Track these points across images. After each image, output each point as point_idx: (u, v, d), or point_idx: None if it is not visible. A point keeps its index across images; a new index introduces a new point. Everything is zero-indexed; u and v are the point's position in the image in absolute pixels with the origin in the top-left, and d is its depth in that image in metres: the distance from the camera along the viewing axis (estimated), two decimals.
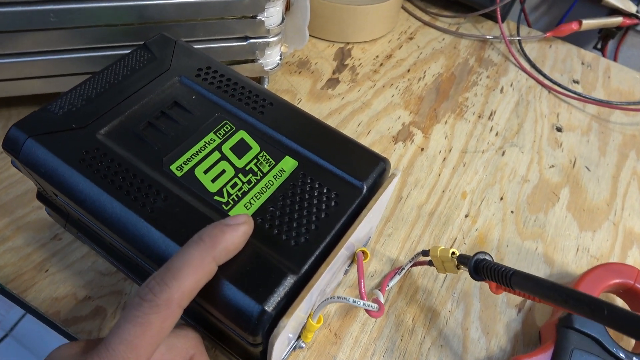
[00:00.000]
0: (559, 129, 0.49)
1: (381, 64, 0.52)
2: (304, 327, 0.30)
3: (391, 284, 0.35)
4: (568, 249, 0.40)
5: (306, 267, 0.25)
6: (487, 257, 0.29)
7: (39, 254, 0.34)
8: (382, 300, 0.30)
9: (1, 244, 0.34)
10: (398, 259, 0.37)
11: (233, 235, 0.23)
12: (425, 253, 0.34)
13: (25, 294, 0.32)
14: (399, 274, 0.35)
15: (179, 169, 0.27)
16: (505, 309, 0.36)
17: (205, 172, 0.28)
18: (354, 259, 0.32)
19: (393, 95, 0.49)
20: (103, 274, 0.33)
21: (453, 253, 0.32)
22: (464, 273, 0.37)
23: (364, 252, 0.31)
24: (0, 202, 0.36)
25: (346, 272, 0.35)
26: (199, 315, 0.28)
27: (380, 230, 0.39)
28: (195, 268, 0.21)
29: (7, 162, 0.38)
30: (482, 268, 0.28)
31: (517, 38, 0.58)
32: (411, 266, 0.35)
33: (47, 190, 0.29)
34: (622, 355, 0.30)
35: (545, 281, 0.25)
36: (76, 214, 0.28)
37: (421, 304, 0.35)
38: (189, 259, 0.21)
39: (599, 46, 0.68)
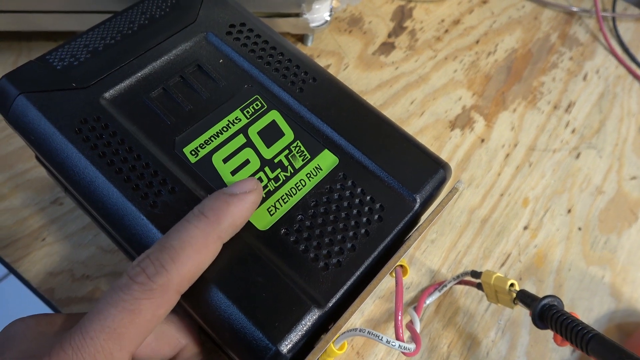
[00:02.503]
0: None
1: (446, 31, 0.45)
2: (324, 352, 0.26)
3: (429, 302, 0.30)
4: None
5: (335, 300, 0.20)
6: (557, 304, 0.24)
7: (36, 218, 0.30)
8: (419, 328, 0.26)
9: None
10: (439, 271, 0.32)
11: (240, 207, 0.19)
12: (475, 275, 0.29)
13: (18, 264, 0.29)
14: (439, 291, 0.30)
15: (193, 153, 0.22)
16: (558, 347, 0.31)
17: (225, 160, 0.23)
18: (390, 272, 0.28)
19: (456, 71, 0.42)
20: (105, 251, 0.30)
21: (512, 285, 0.26)
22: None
23: (402, 267, 0.26)
24: (0, 153, 0.32)
25: None
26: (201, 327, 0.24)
27: (423, 234, 0.33)
28: (198, 248, 0.18)
29: None
30: (550, 317, 0.23)
31: (612, 14, 0.49)
32: (455, 284, 0.30)
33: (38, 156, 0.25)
34: None
35: (634, 359, 0.19)
36: (72, 191, 0.24)
37: (460, 329, 0.30)
38: (191, 237, 0.18)
39: None
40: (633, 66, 0.46)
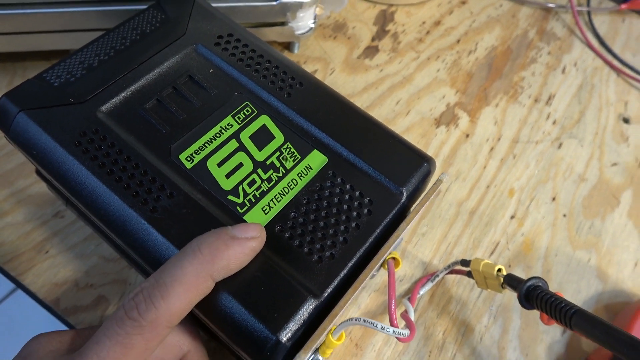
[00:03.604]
0: (626, 120, 0.43)
1: (427, 32, 0.46)
2: (322, 343, 0.27)
3: (422, 292, 0.31)
4: (625, 263, 0.35)
5: (330, 290, 0.21)
6: (541, 284, 0.25)
7: (39, 232, 0.31)
8: (413, 317, 0.27)
9: (0, 218, 0.31)
10: (431, 262, 0.33)
11: (238, 251, 0.19)
12: (465, 263, 0.30)
13: (23, 277, 0.29)
14: (432, 282, 0.31)
15: (189, 159, 0.24)
16: (549, 329, 0.32)
17: (220, 164, 0.24)
18: (383, 264, 0.29)
19: (439, 70, 0.43)
20: (107, 260, 0.31)
21: (499, 270, 0.27)
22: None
23: (395, 259, 0.27)
24: (1, 171, 0.33)
25: (372, 276, 0.31)
26: (205, 327, 0.25)
27: (414, 228, 0.35)
28: (187, 287, 0.18)
29: None
30: (535, 297, 0.24)
31: (587, 9, 0.51)
32: (446, 274, 0.31)
33: (40, 171, 0.26)
34: None
35: (617, 331, 0.20)
36: (74, 202, 0.25)
37: (454, 317, 0.31)
38: (182, 274, 0.18)
39: None
40: (609, 57, 0.47)
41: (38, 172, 0.29)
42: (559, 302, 0.23)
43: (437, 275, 0.31)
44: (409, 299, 0.29)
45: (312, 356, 0.27)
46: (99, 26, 0.35)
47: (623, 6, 0.50)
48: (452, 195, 0.36)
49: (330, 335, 0.25)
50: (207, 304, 0.20)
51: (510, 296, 0.33)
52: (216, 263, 0.19)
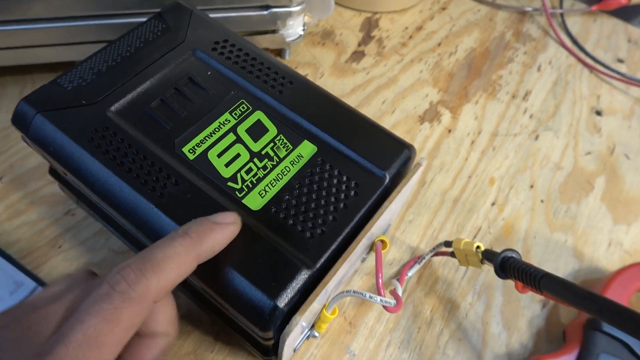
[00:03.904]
0: (598, 113, 0.46)
1: (410, 37, 0.49)
2: (318, 318, 0.29)
3: (410, 274, 0.34)
4: (600, 243, 0.38)
5: (322, 261, 0.24)
6: (514, 255, 0.27)
7: (52, 229, 0.33)
8: (400, 292, 0.29)
9: (16, 218, 0.33)
10: (418, 247, 0.36)
11: (220, 234, 0.21)
12: (447, 244, 0.32)
13: (38, 270, 0.32)
14: (419, 264, 0.34)
15: (191, 151, 0.26)
16: (529, 304, 0.34)
17: (219, 155, 0.26)
18: (372, 247, 0.31)
19: (422, 71, 0.46)
20: (116, 253, 0.33)
21: (478, 247, 0.30)
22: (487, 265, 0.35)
23: (383, 242, 0.30)
24: (14, 175, 0.35)
25: (364, 259, 0.34)
26: (210, 303, 0.28)
27: (401, 216, 0.37)
28: (177, 263, 0.19)
29: None
30: (509, 267, 0.27)
31: (560, 11, 0.54)
32: (432, 256, 0.34)
33: (57, 169, 0.29)
34: None
35: (578, 288, 0.23)
36: (87, 195, 0.27)
37: (440, 295, 0.34)
38: (174, 253, 0.19)
39: None
40: (582, 55, 0.50)
41: (51, 172, 0.32)
42: (529, 268, 0.25)
43: (424, 258, 0.34)
44: (398, 280, 0.31)
45: (309, 332, 0.30)
46: (103, 38, 0.37)
47: (593, 7, 0.53)
48: (437, 185, 0.39)
49: (324, 310, 0.28)
50: (214, 278, 0.23)
51: (492, 276, 0.35)
52: (203, 245, 0.20)
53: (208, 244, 0.20)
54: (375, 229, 0.26)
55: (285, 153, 0.27)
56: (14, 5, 0.33)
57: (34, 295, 0.20)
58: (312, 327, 0.30)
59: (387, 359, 0.31)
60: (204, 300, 0.28)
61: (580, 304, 0.22)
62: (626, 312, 0.20)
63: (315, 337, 0.30)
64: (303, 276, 0.23)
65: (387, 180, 0.27)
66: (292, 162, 0.27)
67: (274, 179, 0.26)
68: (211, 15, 0.33)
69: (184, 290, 0.29)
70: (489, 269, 0.35)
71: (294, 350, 0.30)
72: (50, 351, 0.16)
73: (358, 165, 0.27)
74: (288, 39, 0.41)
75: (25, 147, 0.36)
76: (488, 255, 0.29)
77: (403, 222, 0.37)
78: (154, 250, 0.19)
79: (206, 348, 0.30)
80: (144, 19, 0.31)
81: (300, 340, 0.29)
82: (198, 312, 0.31)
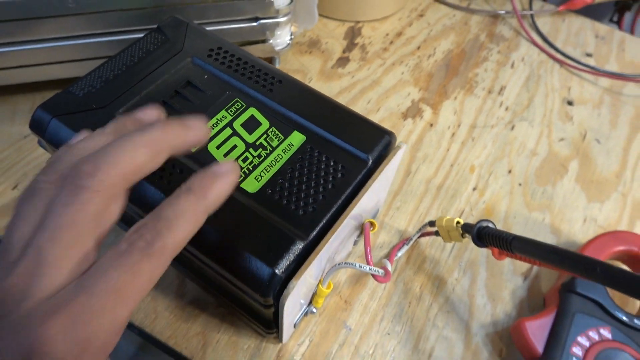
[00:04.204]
0: (570, 103, 0.49)
1: (391, 42, 0.53)
2: (314, 294, 0.31)
3: (399, 254, 0.36)
4: (575, 220, 0.40)
5: (314, 233, 0.26)
6: (489, 225, 0.30)
7: None
8: (390, 268, 0.32)
9: None
10: (406, 230, 0.39)
11: (222, 184, 0.21)
12: (432, 224, 0.35)
13: None
14: (407, 245, 0.37)
15: None
16: (511, 277, 0.37)
17: (218, 147, 0.29)
18: (362, 229, 0.34)
19: (403, 73, 0.50)
20: None
21: (458, 222, 0.33)
22: (471, 244, 0.38)
23: (371, 223, 0.32)
24: (28, 182, 0.38)
25: (355, 242, 0.36)
26: (215, 283, 0.30)
27: (389, 203, 0.40)
28: (187, 219, 0.20)
29: (35, 144, 0.40)
30: (484, 235, 0.29)
31: (530, 12, 0.58)
32: (419, 237, 0.37)
33: None
34: (623, 317, 0.31)
35: (544, 244, 0.26)
36: None
37: (429, 273, 0.36)
38: (182, 210, 0.20)
39: (615, 19, 0.67)
40: (553, 52, 0.54)
41: None
42: (501, 234, 0.28)
43: (411, 239, 0.37)
44: (388, 259, 0.34)
45: (307, 308, 0.32)
46: (106, 54, 0.41)
47: (561, 8, 0.57)
48: (421, 175, 0.42)
49: (320, 285, 0.30)
50: (219, 254, 0.25)
51: (476, 253, 0.38)
52: (208, 197, 0.21)
53: (212, 196, 0.21)
54: (361, 207, 0.29)
55: (277, 143, 0.30)
56: (27, 27, 0.37)
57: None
58: (310, 303, 0.32)
59: (381, 331, 0.34)
60: (209, 282, 0.31)
61: (546, 258, 0.25)
62: (580, 258, 0.23)
63: (313, 312, 0.32)
64: (297, 247, 0.26)
65: (370, 162, 0.29)
66: (283, 150, 0.29)
67: (268, 165, 0.29)
68: (206, 28, 0.36)
69: (192, 276, 0.32)
70: (472, 247, 0.38)
71: (294, 326, 0.32)
72: (74, 299, 0.17)
73: (343, 150, 0.30)
74: (277, 48, 0.45)
75: (37, 157, 0.39)
76: (467, 228, 0.31)
77: (391, 209, 0.40)
78: (164, 208, 0.20)
79: (213, 329, 0.33)
80: (141, 35, 0.35)
81: (299, 316, 0.32)
82: (205, 297, 0.34)
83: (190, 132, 0.23)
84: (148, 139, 0.21)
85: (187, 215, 0.20)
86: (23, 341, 0.16)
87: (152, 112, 0.24)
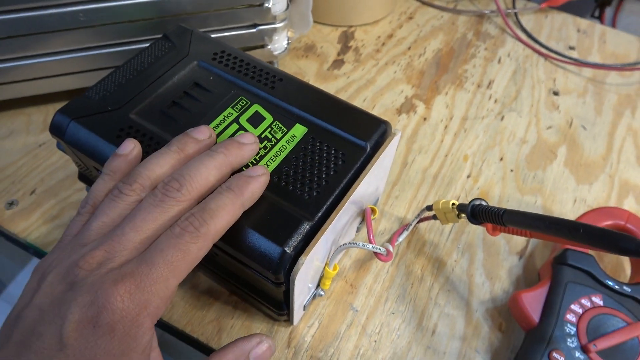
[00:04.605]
0: (555, 93, 0.51)
1: (383, 44, 0.55)
2: (322, 276, 0.33)
3: (400, 239, 0.38)
4: (566, 201, 0.43)
5: (319, 214, 0.28)
6: (482, 203, 0.32)
7: None
8: (392, 249, 0.34)
9: (50, 222, 0.38)
10: (406, 217, 0.41)
11: (256, 184, 0.26)
12: (429, 208, 0.37)
13: None
14: (407, 230, 0.39)
15: None
16: (508, 256, 0.39)
17: None
18: (364, 216, 0.36)
19: (395, 72, 0.52)
20: None
21: (453, 204, 0.35)
22: (467, 227, 0.40)
23: (372, 209, 0.35)
24: (46, 186, 0.40)
25: (358, 229, 0.38)
26: (229, 269, 0.32)
27: (388, 193, 0.42)
28: (227, 211, 0.24)
29: (50, 151, 0.42)
30: (478, 212, 0.31)
31: (514, 10, 0.60)
32: (418, 222, 0.39)
33: (89, 167, 0.34)
34: (612, 284, 0.33)
35: (531, 214, 0.28)
36: None
37: (429, 256, 0.38)
38: (224, 203, 0.24)
39: (596, 14, 0.69)
40: (537, 46, 0.57)
41: (80, 177, 0.37)
42: (493, 209, 0.30)
43: (411, 224, 0.39)
44: (389, 243, 0.36)
45: (315, 291, 0.34)
46: (114, 64, 0.43)
47: (543, 5, 0.60)
48: (418, 165, 0.44)
49: (326, 267, 0.32)
50: (233, 236, 0.27)
51: (473, 235, 0.40)
52: (244, 195, 0.25)
53: (248, 194, 0.25)
54: (362, 190, 0.31)
55: (281, 135, 0.32)
56: (41, 41, 0.39)
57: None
58: (318, 286, 0.34)
59: (386, 311, 0.35)
60: (223, 270, 0.33)
61: (534, 226, 0.27)
62: (565, 222, 0.25)
63: (321, 295, 0.34)
64: (305, 227, 0.28)
65: (368, 149, 0.32)
66: (287, 142, 0.32)
67: (273, 156, 0.31)
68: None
69: (206, 268, 0.34)
70: (469, 230, 0.40)
71: (304, 308, 0.34)
72: (139, 269, 0.21)
73: (343, 138, 0.32)
74: (275, 52, 0.47)
75: (54, 163, 0.42)
76: (461, 208, 0.33)
77: (390, 197, 0.42)
78: (209, 202, 0.24)
79: (226, 315, 0.34)
80: (147, 45, 0.37)
81: (309, 299, 0.34)
82: (218, 286, 0.36)
83: (245, 149, 0.28)
84: (216, 163, 0.26)
85: (227, 207, 0.24)
86: (97, 298, 0.21)
87: (205, 131, 0.29)
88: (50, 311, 0.21)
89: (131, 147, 0.28)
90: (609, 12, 0.69)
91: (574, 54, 0.56)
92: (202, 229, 0.23)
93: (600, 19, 0.69)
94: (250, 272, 0.29)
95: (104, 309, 0.20)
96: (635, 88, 0.53)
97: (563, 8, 0.61)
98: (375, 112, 0.48)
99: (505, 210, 0.29)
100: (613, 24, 0.70)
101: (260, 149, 0.31)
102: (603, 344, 0.30)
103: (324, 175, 0.30)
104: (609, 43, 0.58)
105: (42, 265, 0.24)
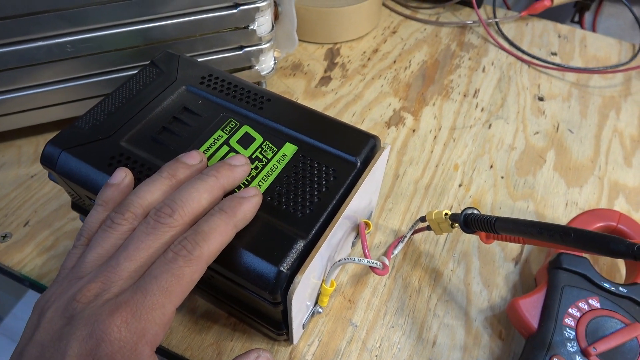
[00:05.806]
0: (540, 99, 0.52)
1: (369, 59, 0.56)
2: (319, 293, 0.33)
3: (396, 252, 0.38)
4: (557, 205, 0.43)
5: (313, 232, 0.28)
6: (474, 211, 0.32)
7: None
8: (387, 262, 0.34)
9: (45, 253, 0.38)
10: (400, 229, 0.41)
11: (248, 205, 0.26)
12: (422, 219, 0.37)
13: None
14: (402, 242, 0.39)
15: None
16: (503, 263, 0.39)
17: None
18: (358, 230, 0.36)
19: (382, 85, 0.53)
20: None
21: (446, 214, 0.35)
22: (462, 236, 0.40)
23: (366, 223, 0.35)
24: (39, 217, 0.40)
25: (354, 244, 0.38)
26: (226, 291, 0.32)
27: (382, 206, 0.42)
28: (220, 233, 0.24)
29: (42, 182, 0.42)
30: (471, 221, 0.32)
31: (495, 20, 0.62)
32: (412, 233, 0.39)
33: (81, 196, 0.34)
34: (608, 286, 0.33)
35: (523, 220, 0.28)
36: None
37: (425, 267, 0.39)
38: (216, 225, 0.24)
39: (576, 19, 0.71)
40: (520, 54, 0.58)
41: (74, 207, 0.37)
42: (485, 217, 0.30)
43: (406, 236, 0.39)
44: (385, 256, 0.36)
45: (313, 308, 0.34)
46: (103, 92, 0.43)
47: (523, 13, 0.61)
48: (409, 177, 0.44)
49: (323, 284, 0.32)
50: (227, 258, 0.27)
51: (468, 244, 0.40)
52: (237, 216, 0.25)
53: (240, 214, 0.26)
54: (354, 205, 0.31)
55: (272, 154, 0.32)
56: (27, 74, 0.39)
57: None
58: (316, 303, 0.34)
59: (386, 325, 0.35)
60: (220, 292, 0.33)
61: (526, 232, 0.27)
62: (556, 227, 0.25)
63: (319, 312, 0.34)
64: (299, 245, 0.28)
65: (358, 164, 0.32)
66: (278, 161, 0.32)
67: (265, 175, 0.31)
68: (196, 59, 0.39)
69: (202, 290, 0.34)
70: (464, 239, 0.40)
71: (303, 327, 0.34)
72: (134, 297, 0.21)
73: (333, 155, 0.32)
74: (263, 73, 0.48)
75: (46, 194, 0.41)
76: (454, 217, 0.34)
77: (384, 211, 0.42)
78: (202, 225, 0.24)
79: (226, 337, 0.34)
80: (136, 71, 0.37)
81: (307, 317, 0.34)
82: (216, 309, 0.36)
83: (237, 171, 0.28)
84: (208, 186, 0.26)
85: (219, 229, 0.24)
86: (94, 330, 0.21)
87: (195, 156, 0.29)
88: (51, 347, 0.21)
89: (122, 176, 0.28)
90: (588, 16, 0.71)
91: (556, 60, 0.57)
92: (195, 252, 0.23)
93: (580, 23, 0.70)
94: (247, 293, 0.29)
95: (102, 341, 0.20)
96: (618, 90, 0.54)
97: (543, 15, 0.63)
98: (364, 126, 0.49)
99: (497, 218, 0.29)
100: (593, 28, 0.71)
101: (252, 169, 0.31)
102: (603, 346, 0.30)
103: (316, 193, 0.30)
104: (590, 47, 0.59)
105: (41, 301, 0.24)
